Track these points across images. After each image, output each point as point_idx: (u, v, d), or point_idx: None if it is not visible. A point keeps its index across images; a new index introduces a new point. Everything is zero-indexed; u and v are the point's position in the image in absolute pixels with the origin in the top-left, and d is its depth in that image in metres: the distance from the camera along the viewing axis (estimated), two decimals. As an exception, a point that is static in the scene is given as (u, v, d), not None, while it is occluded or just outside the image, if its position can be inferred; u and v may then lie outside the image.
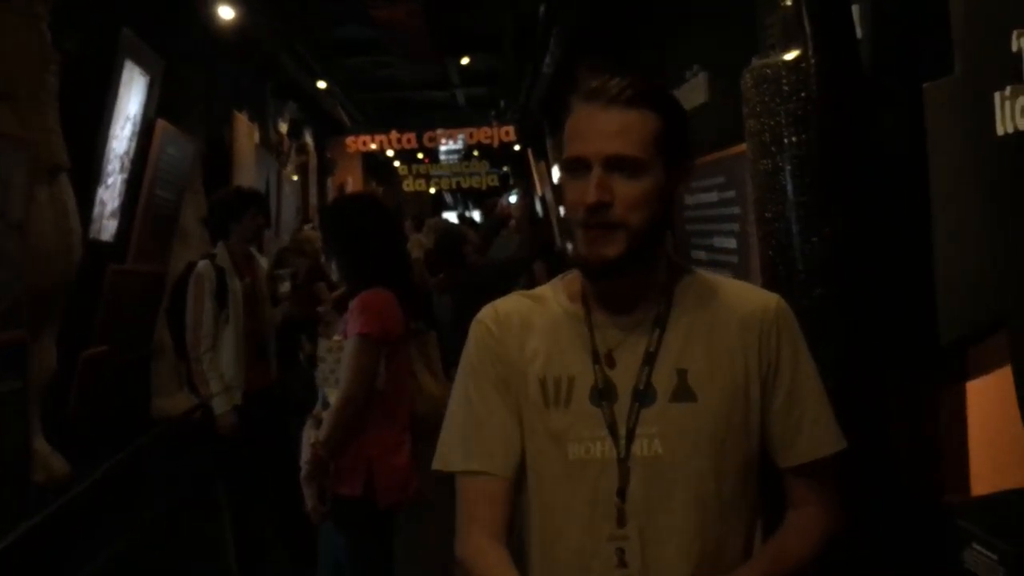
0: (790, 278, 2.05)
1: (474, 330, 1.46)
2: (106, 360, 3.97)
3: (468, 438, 1.40)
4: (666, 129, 1.32)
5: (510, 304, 1.46)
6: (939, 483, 2.01)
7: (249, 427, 3.95)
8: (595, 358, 1.37)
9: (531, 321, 1.42)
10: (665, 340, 1.37)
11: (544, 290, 1.48)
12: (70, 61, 3.28)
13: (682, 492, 1.33)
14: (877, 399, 2.05)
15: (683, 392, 1.34)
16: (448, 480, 1.42)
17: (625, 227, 1.30)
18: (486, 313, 1.46)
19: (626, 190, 1.29)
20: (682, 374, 1.35)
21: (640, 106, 1.30)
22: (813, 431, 1.39)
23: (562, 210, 10.94)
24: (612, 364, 1.36)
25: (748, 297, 1.42)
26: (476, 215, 17.84)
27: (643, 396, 1.34)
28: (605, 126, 1.29)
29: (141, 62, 4.27)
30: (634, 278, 1.36)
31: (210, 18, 5.85)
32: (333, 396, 2.70)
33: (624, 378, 1.36)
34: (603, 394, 1.35)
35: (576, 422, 1.35)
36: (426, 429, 2.84)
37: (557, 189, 11.25)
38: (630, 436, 1.33)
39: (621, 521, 1.33)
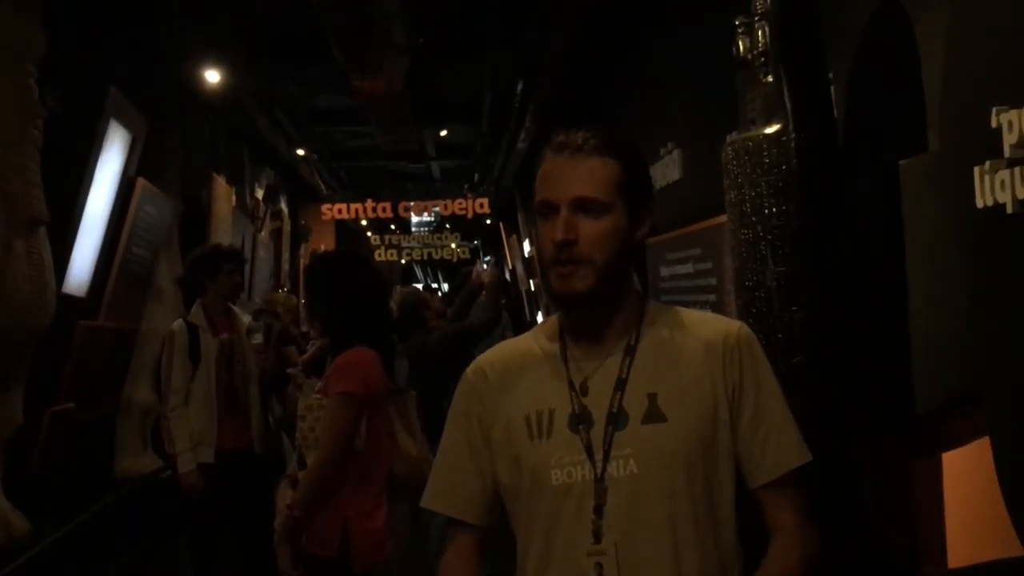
0: (770, 346, 2.07)
1: (459, 383, 1.58)
2: (72, 417, 3.91)
3: (434, 481, 1.58)
4: (626, 175, 1.45)
5: (493, 354, 1.59)
6: (915, 554, 2.01)
7: (220, 486, 3.89)
8: (571, 388, 1.47)
9: (513, 366, 1.54)
10: (635, 366, 1.46)
11: (527, 335, 1.61)
12: (53, 116, 3.30)
13: (657, 508, 1.40)
14: (852, 468, 2.07)
15: (653, 414, 1.43)
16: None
17: (590, 262, 1.41)
18: (471, 367, 1.59)
19: (590, 229, 1.42)
20: (652, 397, 1.43)
21: (602, 154, 1.44)
22: (778, 447, 1.45)
23: (532, 283, 11.04)
24: (586, 392, 1.46)
25: (712, 324, 1.52)
26: (445, 287, 17.85)
27: (616, 420, 1.43)
28: (570, 173, 1.43)
29: (125, 121, 4.30)
30: (604, 311, 1.47)
31: (192, 80, 5.91)
32: (311, 456, 2.66)
33: (598, 404, 1.45)
34: (579, 421, 1.44)
35: (557, 450, 1.44)
36: (404, 490, 2.81)
37: (528, 262, 11.35)
38: (606, 458, 1.42)
39: (598, 537, 1.40)
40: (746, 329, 1.51)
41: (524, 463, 1.47)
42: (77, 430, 4.01)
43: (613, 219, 1.42)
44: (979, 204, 1.54)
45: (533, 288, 11.02)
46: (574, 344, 1.50)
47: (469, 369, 1.58)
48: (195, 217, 5.98)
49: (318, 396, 2.72)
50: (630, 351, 1.47)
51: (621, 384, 1.44)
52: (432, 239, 16.89)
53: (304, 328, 7.09)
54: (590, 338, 1.49)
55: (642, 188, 1.49)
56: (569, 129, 1.47)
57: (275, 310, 5.73)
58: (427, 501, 1.58)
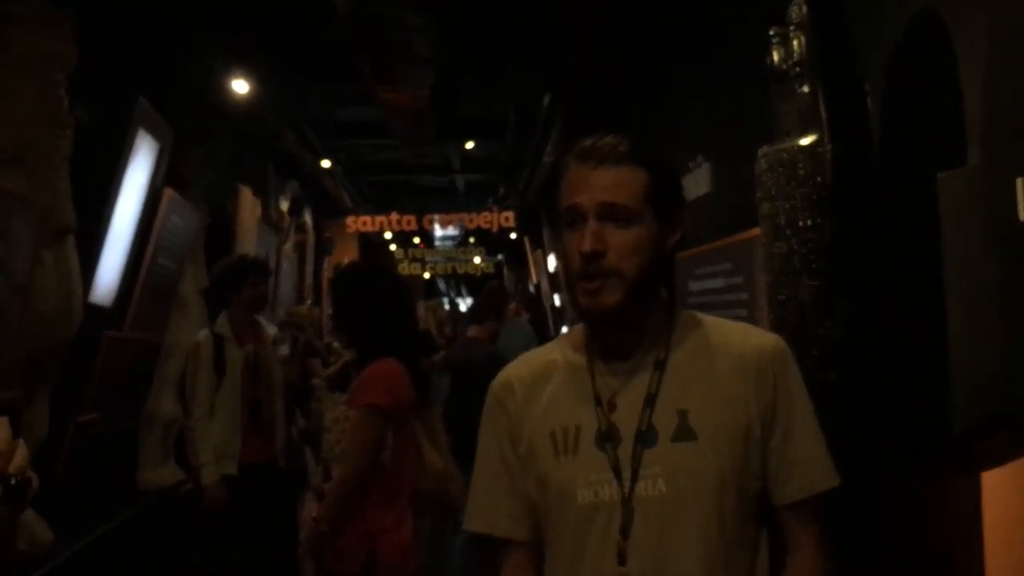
0: (803, 362, 2.02)
1: (486, 399, 1.56)
2: (96, 427, 3.91)
3: (474, 501, 1.54)
4: (654, 183, 1.41)
5: (519, 366, 1.56)
6: (952, 576, 1.96)
7: (242, 500, 3.88)
8: (597, 404, 1.43)
9: (538, 378, 1.50)
10: (664, 382, 1.42)
11: (551, 345, 1.58)
12: (81, 126, 3.32)
13: (686, 529, 1.37)
14: (886, 487, 2.02)
15: (684, 432, 1.39)
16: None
17: (619, 275, 1.37)
18: (497, 380, 1.56)
19: (619, 240, 1.38)
20: (682, 414, 1.40)
21: (630, 163, 1.40)
22: (806, 469, 1.43)
23: (557, 299, 11.01)
24: (613, 408, 1.42)
25: (746, 338, 1.48)
26: (469, 301, 17.85)
27: (645, 438, 1.39)
28: (598, 181, 1.39)
29: (153, 131, 4.31)
30: (633, 324, 1.43)
31: (219, 92, 5.94)
32: (337, 469, 2.64)
33: (626, 421, 1.41)
34: (607, 438, 1.40)
35: (584, 467, 1.41)
36: (430, 504, 2.79)
37: (553, 278, 11.31)
38: (634, 477, 1.38)
39: (623, 559, 1.36)
40: (782, 344, 1.48)
41: (550, 480, 1.44)
42: (100, 441, 4.01)
43: (642, 228, 1.39)
44: (1021, 218, 1.51)
45: (558, 303, 10.99)
46: (600, 357, 1.46)
47: (495, 383, 1.55)
48: (220, 228, 5.99)
49: (344, 408, 2.71)
50: (660, 366, 1.43)
51: (650, 400, 1.41)
52: (456, 253, 16.93)
53: (327, 340, 7.10)
54: (618, 352, 1.45)
55: (672, 195, 1.45)
56: (595, 135, 1.42)
57: (299, 322, 5.75)
58: (469, 523, 1.54)
